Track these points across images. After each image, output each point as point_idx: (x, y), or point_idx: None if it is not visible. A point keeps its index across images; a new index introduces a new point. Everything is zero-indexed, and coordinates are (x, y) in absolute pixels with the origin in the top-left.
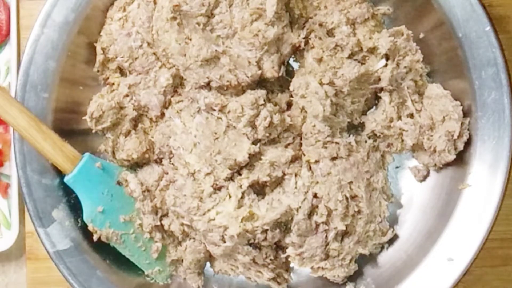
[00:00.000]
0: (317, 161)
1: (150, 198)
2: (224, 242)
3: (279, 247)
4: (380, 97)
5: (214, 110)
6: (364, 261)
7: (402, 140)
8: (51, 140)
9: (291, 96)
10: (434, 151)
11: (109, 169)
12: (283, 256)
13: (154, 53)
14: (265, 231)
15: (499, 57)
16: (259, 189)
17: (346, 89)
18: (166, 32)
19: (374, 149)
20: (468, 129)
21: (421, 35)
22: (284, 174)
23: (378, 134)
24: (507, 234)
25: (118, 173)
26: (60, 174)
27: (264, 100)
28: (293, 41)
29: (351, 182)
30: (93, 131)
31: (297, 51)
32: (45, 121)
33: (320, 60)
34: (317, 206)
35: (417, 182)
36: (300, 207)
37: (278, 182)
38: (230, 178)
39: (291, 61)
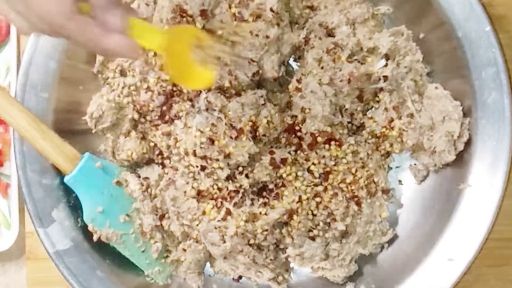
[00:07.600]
0: (317, 161)
1: (150, 198)
2: (224, 242)
3: (279, 247)
4: (380, 97)
5: (214, 110)
6: (364, 261)
7: (402, 140)
8: (51, 140)
9: (291, 96)
10: (434, 151)
11: (109, 169)
12: (283, 256)
13: (154, 53)
14: (265, 231)
15: (499, 57)
16: (259, 189)
17: (346, 89)
18: None
19: (374, 149)
20: (468, 130)
21: (421, 35)
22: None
23: (378, 134)
24: (507, 234)
25: (118, 173)
26: (60, 174)
27: (264, 100)
28: (293, 41)
29: (351, 183)
30: (93, 131)
31: (297, 51)
32: (45, 121)
33: (320, 60)
34: (317, 206)
35: (417, 182)
36: (300, 207)
37: (278, 182)
38: (230, 178)
39: (291, 61)
